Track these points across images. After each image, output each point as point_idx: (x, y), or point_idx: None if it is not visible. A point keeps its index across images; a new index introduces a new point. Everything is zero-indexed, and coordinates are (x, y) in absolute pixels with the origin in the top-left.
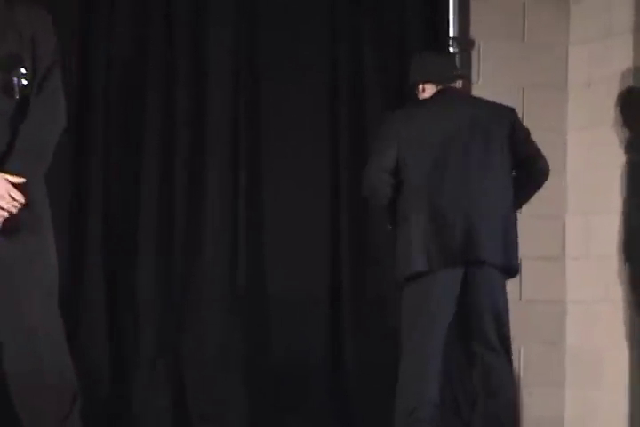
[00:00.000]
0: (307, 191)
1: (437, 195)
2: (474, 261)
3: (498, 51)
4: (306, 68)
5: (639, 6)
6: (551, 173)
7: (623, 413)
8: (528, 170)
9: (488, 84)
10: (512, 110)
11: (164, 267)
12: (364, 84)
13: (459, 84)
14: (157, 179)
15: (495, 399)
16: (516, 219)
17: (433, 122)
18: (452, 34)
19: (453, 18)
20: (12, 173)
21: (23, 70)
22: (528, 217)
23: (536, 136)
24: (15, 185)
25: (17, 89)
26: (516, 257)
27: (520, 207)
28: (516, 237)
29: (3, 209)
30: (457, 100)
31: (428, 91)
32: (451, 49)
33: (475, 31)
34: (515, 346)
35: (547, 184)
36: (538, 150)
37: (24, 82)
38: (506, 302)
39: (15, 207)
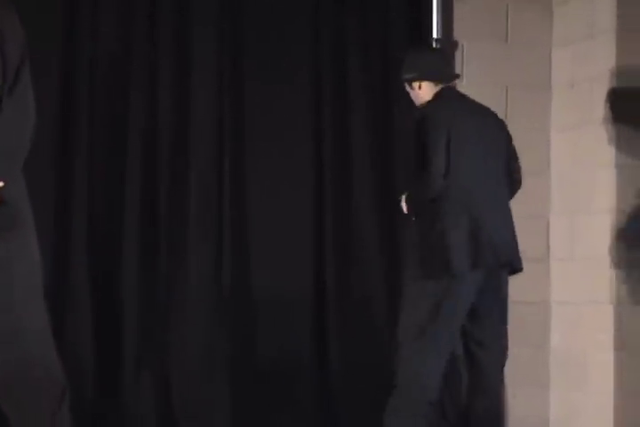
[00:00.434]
0: (291, 191)
1: (476, 199)
2: (503, 264)
3: (481, 51)
4: (290, 68)
5: (622, 6)
6: (535, 173)
7: (608, 414)
8: (511, 180)
9: (472, 84)
10: (502, 120)
11: (148, 267)
12: (347, 84)
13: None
14: (141, 179)
15: (489, 400)
16: None
17: (470, 125)
18: (435, 34)
19: (437, 18)
20: None
21: None
22: (513, 217)
23: (520, 136)
24: None
25: None
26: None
27: None
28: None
29: None
30: (469, 103)
31: (425, 89)
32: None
33: (458, 32)
34: None
35: (531, 184)
36: (519, 162)
37: None
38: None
39: None
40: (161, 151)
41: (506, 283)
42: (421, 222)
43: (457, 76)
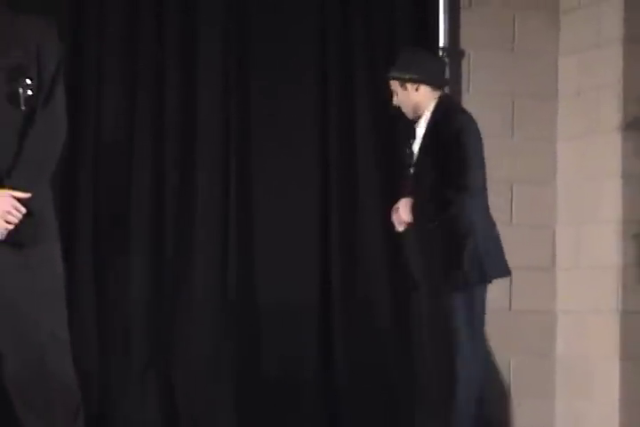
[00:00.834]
0: (297, 191)
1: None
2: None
3: (488, 60)
4: (296, 68)
5: (628, 16)
6: (541, 182)
7: (613, 424)
8: None
9: (478, 93)
10: None
11: (154, 267)
12: (354, 84)
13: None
14: (148, 179)
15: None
16: None
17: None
18: (442, 44)
19: (444, 28)
20: (16, 188)
21: (28, 81)
22: (518, 227)
23: (526, 145)
24: (19, 199)
25: (22, 100)
26: None
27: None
28: None
29: (9, 223)
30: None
31: (422, 93)
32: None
33: (465, 41)
34: (504, 357)
35: (537, 194)
36: None
37: (29, 92)
38: None
39: (18, 219)
40: (167, 151)
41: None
42: (436, 233)
43: (448, 83)
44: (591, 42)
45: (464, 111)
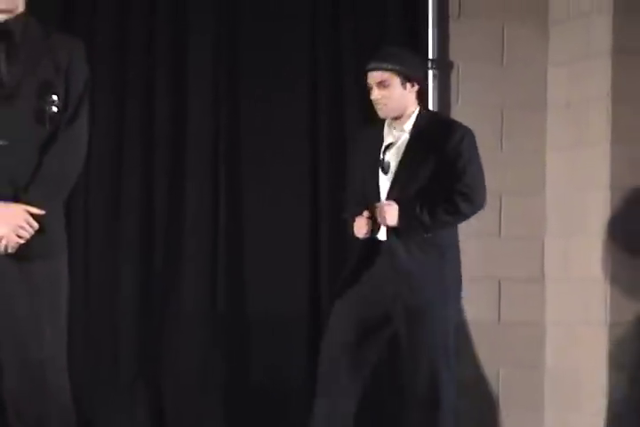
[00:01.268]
0: (287, 201)
1: None
2: None
3: (477, 72)
4: (286, 76)
5: (617, 27)
6: (530, 193)
7: None
8: None
9: (467, 105)
10: None
11: (143, 278)
12: (344, 93)
13: None
14: (137, 188)
15: None
16: None
17: None
18: (431, 55)
19: (432, 39)
20: (32, 204)
21: (55, 97)
22: (507, 238)
23: (515, 156)
24: (33, 214)
25: (48, 117)
26: None
27: None
28: None
29: (21, 237)
30: None
31: (413, 95)
32: (430, 71)
33: (454, 52)
34: (493, 368)
35: (526, 205)
36: None
37: (54, 109)
38: None
39: (30, 234)
40: (156, 160)
41: None
42: (421, 248)
43: None
44: (580, 53)
45: (458, 122)
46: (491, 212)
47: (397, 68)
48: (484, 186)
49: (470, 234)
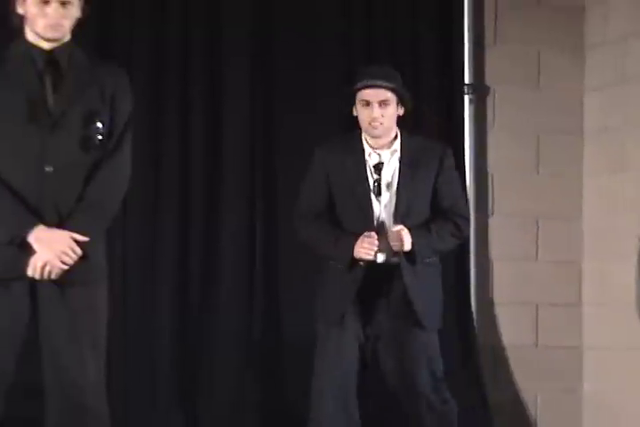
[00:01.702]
0: None
1: None
2: None
3: (513, 97)
4: (321, 109)
5: None
6: (567, 218)
7: None
8: None
9: (503, 130)
10: None
11: (180, 305)
12: None
13: None
14: (174, 221)
15: None
16: None
17: None
18: (467, 80)
19: (469, 64)
20: (75, 230)
21: (100, 125)
22: (544, 263)
23: (552, 182)
24: (77, 240)
25: (92, 144)
26: None
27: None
28: None
29: (64, 263)
30: None
31: (398, 113)
32: (466, 95)
33: (490, 77)
34: (531, 393)
35: (563, 230)
36: None
37: (99, 137)
38: None
39: (73, 260)
40: (193, 182)
41: None
42: (425, 271)
43: None
44: (616, 78)
45: (441, 142)
46: (528, 236)
47: (397, 87)
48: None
49: (507, 258)
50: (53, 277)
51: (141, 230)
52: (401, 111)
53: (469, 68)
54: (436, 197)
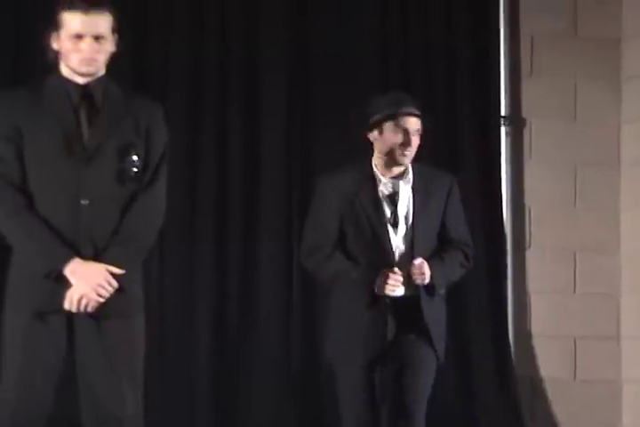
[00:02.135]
0: None
1: None
2: None
3: (550, 129)
4: (357, 137)
5: None
6: (605, 251)
7: None
8: None
9: (540, 162)
10: None
11: (218, 338)
12: None
13: None
14: (211, 246)
15: None
16: None
17: None
18: (503, 112)
19: (505, 96)
20: (111, 262)
21: (135, 158)
22: (582, 296)
23: (590, 214)
24: (113, 273)
25: (128, 177)
26: None
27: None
28: None
29: (101, 296)
30: None
31: None
32: (503, 128)
33: (526, 110)
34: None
35: (601, 262)
36: None
37: (135, 170)
38: None
39: (110, 293)
40: (230, 204)
41: None
42: (438, 303)
43: None
44: None
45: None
46: (565, 269)
47: (420, 116)
48: None
49: (545, 291)
50: (90, 310)
51: (178, 251)
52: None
53: (506, 101)
54: (444, 228)
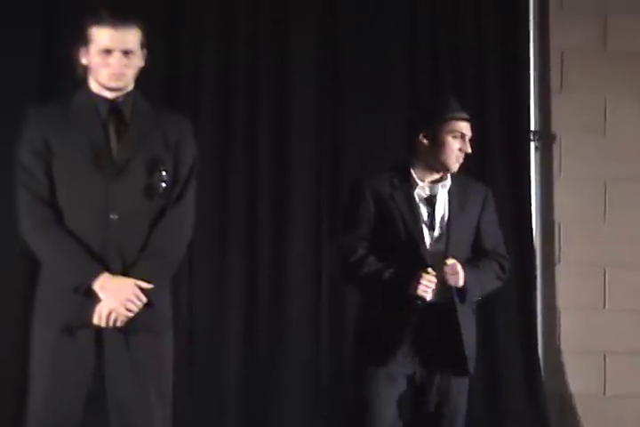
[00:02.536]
0: None
1: None
2: None
3: (579, 144)
4: (386, 120)
5: None
6: (635, 266)
7: None
8: None
9: (569, 178)
10: None
11: (248, 342)
12: None
13: None
14: (241, 261)
15: None
16: None
17: None
18: (533, 128)
19: (534, 112)
20: (140, 277)
21: (164, 173)
22: (612, 311)
23: (619, 229)
24: (142, 288)
25: (157, 192)
26: None
27: None
28: None
29: (130, 311)
30: None
31: None
32: (532, 143)
33: (556, 125)
34: None
35: (631, 278)
36: None
37: (163, 185)
38: None
39: (138, 308)
40: (260, 239)
41: None
42: (469, 313)
43: None
44: None
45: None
46: (595, 284)
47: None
48: None
49: (575, 307)
50: (119, 324)
51: (209, 256)
52: None
53: (535, 116)
54: (479, 236)
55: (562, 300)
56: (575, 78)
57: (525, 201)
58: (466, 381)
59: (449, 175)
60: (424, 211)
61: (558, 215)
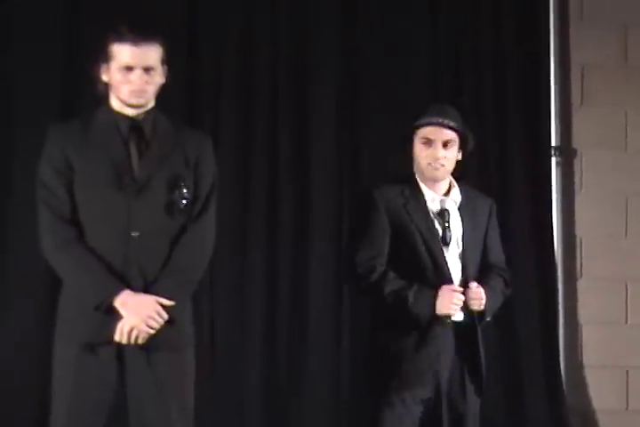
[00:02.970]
0: None
1: None
2: None
3: (600, 160)
4: (406, 124)
5: None
6: None
7: None
8: None
9: (590, 193)
10: None
11: (269, 343)
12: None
13: None
14: (261, 279)
15: None
16: None
17: None
18: (554, 143)
19: (555, 127)
20: (161, 294)
21: (185, 190)
22: (634, 326)
23: None
24: (163, 305)
25: (177, 210)
26: None
27: None
28: None
29: (151, 328)
30: None
31: (457, 158)
32: (553, 158)
33: (577, 140)
34: None
35: None
36: None
37: (184, 202)
38: None
39: (160, 325)
40: (280, 258)
41: None
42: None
43: None
44: None
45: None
46: (616, 299)
47: (462, 130)
48: None
49: (596, 322)
50: (140, 342)
51: (230, 258)
52: (459, 156)
53: (556, 131)
54: (486, 251)
55: (584, 315)
56: (596, 93)
57: (547, 216)
58: (479, 400)
59: (455, 188)
60: (439, 226)
61: (580, 230)
